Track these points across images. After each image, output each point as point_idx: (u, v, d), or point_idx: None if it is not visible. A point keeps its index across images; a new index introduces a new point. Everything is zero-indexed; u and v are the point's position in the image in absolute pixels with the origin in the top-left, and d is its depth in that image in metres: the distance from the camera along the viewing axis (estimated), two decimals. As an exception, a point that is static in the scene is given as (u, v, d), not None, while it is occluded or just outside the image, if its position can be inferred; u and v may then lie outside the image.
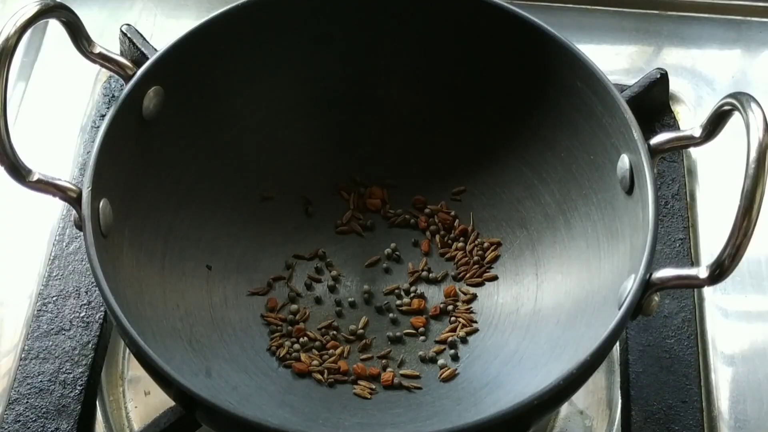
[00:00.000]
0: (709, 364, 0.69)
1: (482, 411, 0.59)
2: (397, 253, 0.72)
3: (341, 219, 0.73)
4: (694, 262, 0.73)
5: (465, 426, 0.54)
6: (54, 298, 0.70)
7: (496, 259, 0.71)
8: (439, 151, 0.74)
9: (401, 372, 0.67)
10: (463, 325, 0.69)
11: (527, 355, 0.66)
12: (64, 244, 0.72)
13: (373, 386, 0.66)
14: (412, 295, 0.70)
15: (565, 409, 0.68)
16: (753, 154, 0.54)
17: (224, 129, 0.70)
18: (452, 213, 0.73)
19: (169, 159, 0.68)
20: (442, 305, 0.70)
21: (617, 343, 0.68)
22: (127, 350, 0.70)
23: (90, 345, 0.68)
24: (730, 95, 0.57)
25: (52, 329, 0.69)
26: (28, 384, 0.67)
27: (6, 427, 0.65)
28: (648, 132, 0.63)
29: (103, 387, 0.69)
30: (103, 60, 0.64)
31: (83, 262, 0.71)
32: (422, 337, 0.69)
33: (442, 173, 0.74)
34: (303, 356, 0.67)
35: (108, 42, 0.67)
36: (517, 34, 0.68)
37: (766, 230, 0.61)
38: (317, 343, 0.68)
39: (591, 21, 0.86)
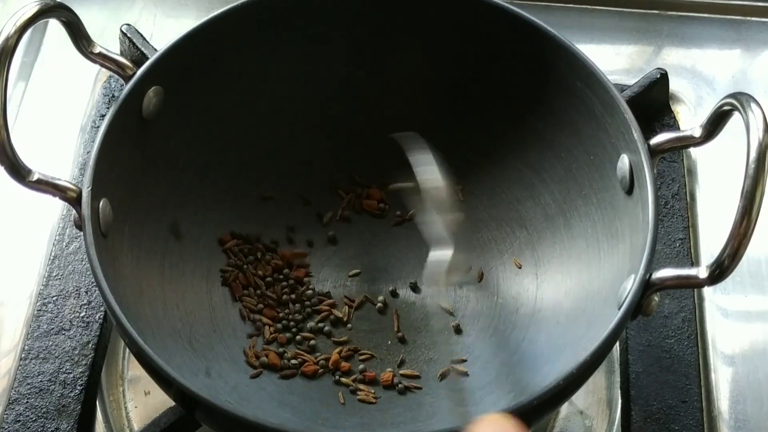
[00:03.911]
0: (709, 364, 0.69)
1: (482, 411, 0.59)
2: (397, 253, 0.72)
3: (332, 217, 0.73)
4: (694, 262, 0.73)
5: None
6: (54, 298, 0.70)
7: None
8: (438, 151, 0.74)
9: (401, 372, 0.67)
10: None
11: (527, 355, 0.66)
12: (64, 243, 0.72)
13: (373, 390, 0.66)
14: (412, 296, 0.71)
15: (565, 409, 0.68)
16: (753, 155, 0.54)
17: (224, 129, 0.70)
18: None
19: (169, 159, 0.68)
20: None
21: (617, 343, 0.69)
22: (127, 350, 0.70)
23: (90, 345, 0.68)
24: (730, 95, 0.57)
25: (52, 329, 0.69)
26: (28, 384, 0.67)
27: (6, 427, 0.65)
28: (648, 132, 0.63)
29: (103, 387, 0.69)
30: (103, 60, 0.64)
31: (83, 262, 0.71)
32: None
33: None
34: (309, 358, 0.68)
35: (108, 42, 0.67)
36: (517, 34, 0.68)
37: (766, 230, 0.61)
38: (314, 342, 0.68)
39: (591, 21, 0.86)
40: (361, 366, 0.67)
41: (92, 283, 0.70)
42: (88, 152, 0.75)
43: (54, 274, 0.71)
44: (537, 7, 0.85)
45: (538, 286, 0.69)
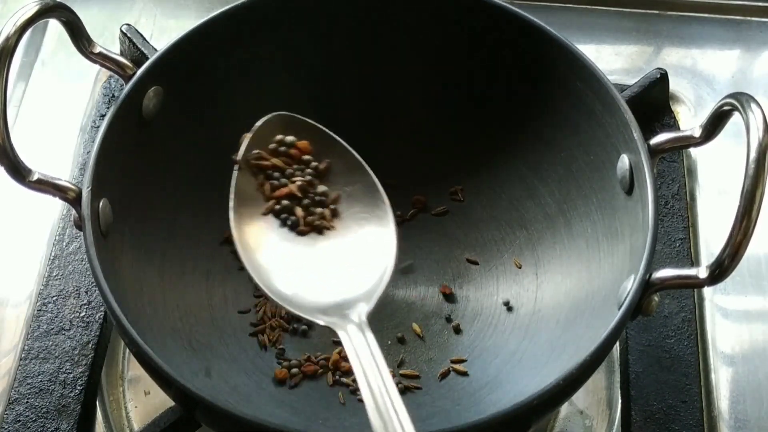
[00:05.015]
0: (709, 364, 0.69)
1: (482, 411, 0.59)
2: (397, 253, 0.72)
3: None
4: (694, 262, 0.73)
5: (465, 426, 0.54)
6: (54, 298, 0.70)
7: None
8: (439, 151, 0.74)
9: (401, 372, 0.67)
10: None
11: (527, 355, 0.66)
12: (64, 243, 0.72)
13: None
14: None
15: (565, 409, 0.68)
16: (753, 155, 0.54)
17: (224, 129, 0.70)
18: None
19: (169, 159, 0.68)
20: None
21: (617, 343, 0.68)
22: (127, 350, 0.70)
23: (90, 345, 0.68)
24: (730, 95, 0.57)
25: (52, 329, 0.69)
26: (28, 384, 0.67)
27: (6, 427, 0.65)
28: (648, 132, 0.63)
29: (103, 387, 0.69)
30: (103, 60, 0.64)
31: (83, 262, 0.71)
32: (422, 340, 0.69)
33: (442, 173, 0.74)
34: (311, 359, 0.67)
35: (108, 42, 0.67)
36: (517, 34, 0.68)
37: (766, 230, 0.61)
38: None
39: (591, 21, 0.86)
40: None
41: (92, 283, 0.70)
42: (88, 152, 0.75)
43: (54, 274, 0.71)
44: (537, 7, 0.85)
45: (538, 286, 0.69)
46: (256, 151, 0.62)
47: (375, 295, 0.58)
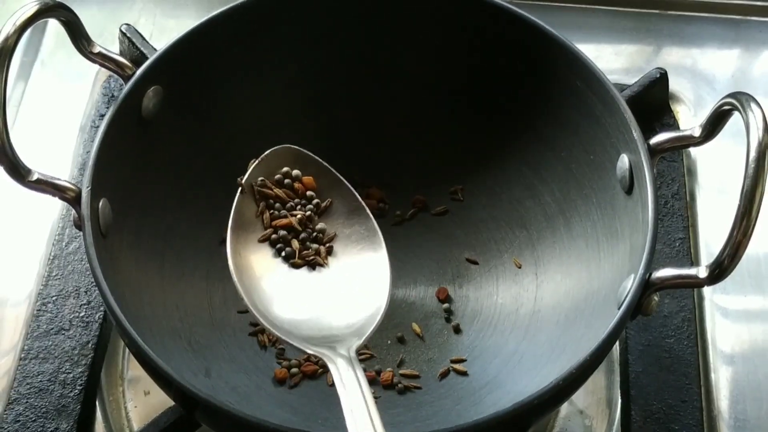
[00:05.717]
0: (709, 364, 0.69)
1: (482, 411, 0.59)
2: (397, 252, 0.72)
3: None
4: (694, 261, 0.73)
5: (465, 426, 0.54)
6: (54, 298, 0.70)
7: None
8: (438, 151, 0.74)
9: (401, 372, 0.67)
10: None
11: (527, 355, 0.66)
12: (64, 243, 0.72)
13: (372, 390, 0.66)
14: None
15: (564, 408, 0.68)
16: (753, 154, 0.54)
17: (223, 129, 0.70)
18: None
19: (169, 158, 0.67)
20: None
21: (617, 343, 0.68)
22: (127, 350, 0.70)
23: (89, 345, 0.68)
24: (730, 95, 0.57)
25: (52, 329, 0.69)
26: (27, 384, 0.67)
27: (6, 427, 0.65)
28: (648, 132, 0.63)
29: (103, 387, 0.69)
30: (103, 60, 0.64)
31: (83, 262, 0.71)
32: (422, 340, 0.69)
33: (442, 173, 0.74)
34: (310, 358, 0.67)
35: (107, 42, 0.67)
36: (517, 34, 0.68)
37: (766, 230, 0.61)
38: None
39: (590, 20, 0.85)
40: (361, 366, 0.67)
41: (92, 282, 0.70)
42: (87, 152, 0.75)
43: (54, 274, 0.71)
44: (537, 6, 0.85)
45: (538, 286, 0.69)
46: (261, 178, 0.64)
47: (365, 334, 0.59)
